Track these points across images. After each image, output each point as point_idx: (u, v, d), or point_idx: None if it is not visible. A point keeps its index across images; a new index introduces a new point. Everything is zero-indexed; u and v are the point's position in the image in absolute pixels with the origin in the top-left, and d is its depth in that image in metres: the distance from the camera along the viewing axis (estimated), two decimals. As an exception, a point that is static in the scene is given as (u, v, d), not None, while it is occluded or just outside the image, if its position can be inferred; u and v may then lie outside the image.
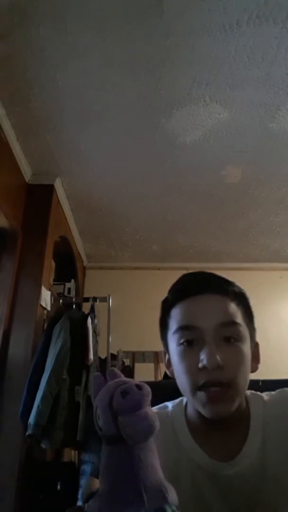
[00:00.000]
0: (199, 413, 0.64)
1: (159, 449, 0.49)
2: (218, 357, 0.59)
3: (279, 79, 1.77)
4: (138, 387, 0.42)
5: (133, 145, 2.24)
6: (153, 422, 0.40)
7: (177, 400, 0.75)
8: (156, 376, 2.85)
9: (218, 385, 0.59)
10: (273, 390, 0.71)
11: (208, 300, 0.66)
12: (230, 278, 0.71)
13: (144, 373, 2.88)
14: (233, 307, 0.65)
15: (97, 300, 2.52)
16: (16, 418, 1.86)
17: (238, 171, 2.47)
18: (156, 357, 2.91)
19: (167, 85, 1.81)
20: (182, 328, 0.65)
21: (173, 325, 0.68)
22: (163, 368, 2.80)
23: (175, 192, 2.70)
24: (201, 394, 0.60)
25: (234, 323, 0.63)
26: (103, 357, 2.45)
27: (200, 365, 0.60)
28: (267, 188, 2.65)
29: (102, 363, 2.41)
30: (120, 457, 0.41)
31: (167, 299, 0.72)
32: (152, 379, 2.79)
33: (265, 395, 0.70)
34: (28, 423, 1.76)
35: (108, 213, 2.97)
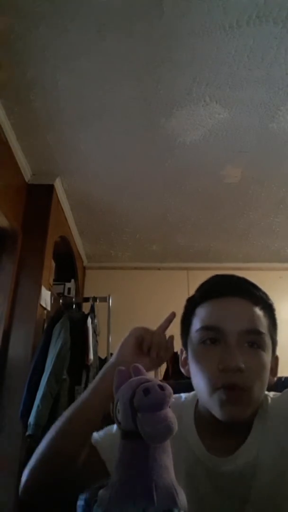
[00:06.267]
0: (210, 412, 0.63)
1: None
2: (239, 360, 0.58)
3: (279, 79, 1.77)
4: (161, 387, 0.42)
5: (133, 145, 2.24)
6: (171, 424, 0.40)
7: (191, 394, 0.74)
8: (155, 376, 2.85)
9: (236, 388, 0.58)
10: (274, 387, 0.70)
11: (236, 304, 0.65)
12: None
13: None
14: (260, 315, 0.64)
15: (97, 300, 2.52)
16: (16, 418, 1.86)
17: (238, 171, 2.47)
18: (156, 357, 2.90)
19: (167, 85, 1.81)
20: (206, 328, 0.64)
21: (196, 323, 0.67)
22: (163, 368, 2.80)
23: (175, 192, 2.70)
24: (219, 394, 0.59)
25: (259, 332, 0.62)
26: (103, 357, 2.45)
27: (220, 366, 0.59)
28: (267, 188, 2.65)
29: (102, 363, 2.40)
30: (135, 453, 0.41)
31: (193, 297, 0.71)
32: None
33: (271, 395, 0.69)
34: (28, 423, 1.76)
35: (108, 213, 2.97)
